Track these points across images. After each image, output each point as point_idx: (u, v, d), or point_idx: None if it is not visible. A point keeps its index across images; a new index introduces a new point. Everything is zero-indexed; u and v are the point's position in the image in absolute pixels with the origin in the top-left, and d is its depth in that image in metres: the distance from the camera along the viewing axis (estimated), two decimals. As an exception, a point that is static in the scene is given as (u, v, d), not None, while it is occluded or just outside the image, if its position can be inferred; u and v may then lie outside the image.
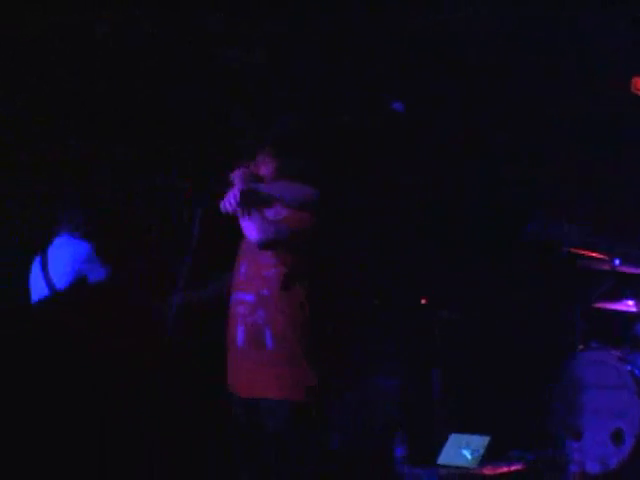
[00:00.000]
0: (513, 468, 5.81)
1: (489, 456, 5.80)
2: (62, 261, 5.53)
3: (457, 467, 5.79)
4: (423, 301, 6.77)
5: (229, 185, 4.33)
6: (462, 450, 5.81)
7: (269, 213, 4.33)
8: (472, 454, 5.76)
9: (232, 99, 6.23)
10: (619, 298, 6.45)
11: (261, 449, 4.21)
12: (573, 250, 6.41)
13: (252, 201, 4.26)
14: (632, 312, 6.43)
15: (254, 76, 6.24)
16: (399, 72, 6.28)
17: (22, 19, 5.61)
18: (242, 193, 4.22)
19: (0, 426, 4.60)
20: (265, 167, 4.43)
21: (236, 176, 4.36)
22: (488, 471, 5.74)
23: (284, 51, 6.26)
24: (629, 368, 6.11)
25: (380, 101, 6.10)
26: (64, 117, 6.00)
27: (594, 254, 6.41)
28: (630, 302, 6.42)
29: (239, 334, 4.24)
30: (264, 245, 4.22)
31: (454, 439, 5.92)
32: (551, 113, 6.63)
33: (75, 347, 4.73)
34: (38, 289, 5.54)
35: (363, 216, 6.41)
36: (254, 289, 4.25)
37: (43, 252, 5.63)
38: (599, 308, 6.49)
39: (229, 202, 4.21)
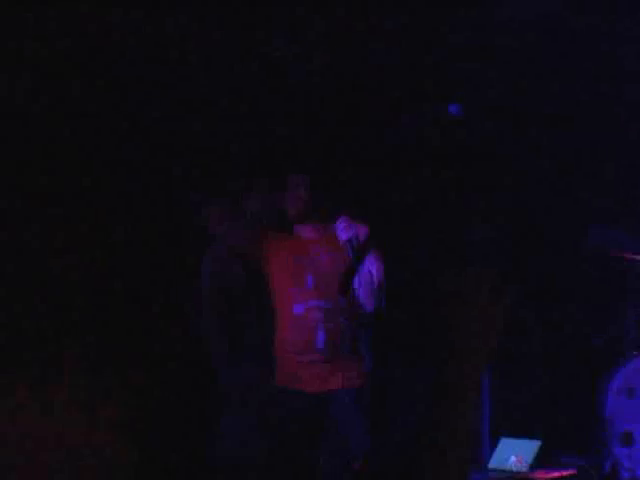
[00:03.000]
0: (564, 473, 5.82)
1: (540, 461, 5.83)
2: None
3: (508, 471, 5.82)
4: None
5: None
6: (509, 459, 5.85)
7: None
8: (518, 465, 5.81)
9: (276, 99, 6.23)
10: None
11: (326, 432, 4.63)
12: (627, 256, 6.39)
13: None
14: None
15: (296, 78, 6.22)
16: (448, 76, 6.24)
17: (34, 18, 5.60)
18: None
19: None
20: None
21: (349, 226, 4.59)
22: (539, 476, 5.77)
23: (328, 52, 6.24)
24: (682, 375, 6.09)
25: (435, 105, 6.09)
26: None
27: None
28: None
29: (319, 337, 4.57)
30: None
31: (505, 443, 5.95)
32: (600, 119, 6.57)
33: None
34: None
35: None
36: (331, 297, 4.58)
37: None
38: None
39: (354, 233, 4.50)
